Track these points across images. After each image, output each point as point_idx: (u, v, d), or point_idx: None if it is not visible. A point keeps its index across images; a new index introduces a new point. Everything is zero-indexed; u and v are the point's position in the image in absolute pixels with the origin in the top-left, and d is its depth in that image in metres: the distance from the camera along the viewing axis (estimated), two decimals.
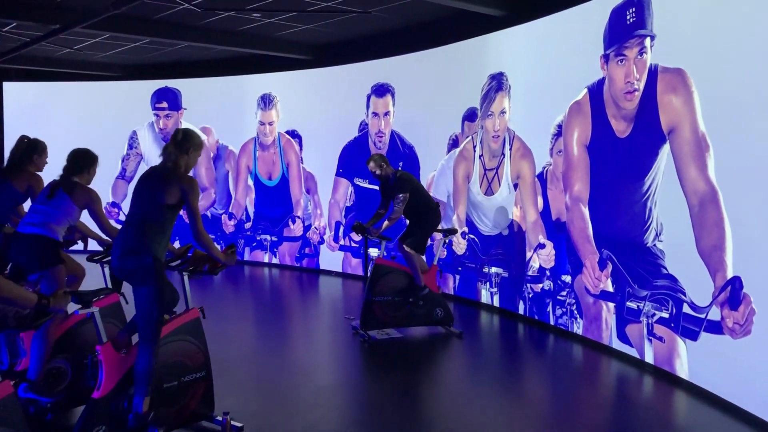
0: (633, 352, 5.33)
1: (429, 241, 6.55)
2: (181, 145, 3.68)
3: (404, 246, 6.07)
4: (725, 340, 4.40)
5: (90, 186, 4.33)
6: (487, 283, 7.33)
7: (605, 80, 5.60)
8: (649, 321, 5.15)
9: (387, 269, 6.09)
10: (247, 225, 10.41)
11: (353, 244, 9.13)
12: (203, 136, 10.63)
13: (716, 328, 4.48)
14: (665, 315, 4.98)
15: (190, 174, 3.79)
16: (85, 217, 4.34)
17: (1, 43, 8.99)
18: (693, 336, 4.71)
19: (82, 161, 4.16)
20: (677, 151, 4.84)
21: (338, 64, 9.18)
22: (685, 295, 4.78)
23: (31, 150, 4.58)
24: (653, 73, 5.07)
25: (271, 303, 8.10)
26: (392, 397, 4.63)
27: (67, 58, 10.45)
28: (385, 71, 8.65)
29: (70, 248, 4.79)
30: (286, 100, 9.95)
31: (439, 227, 6.44)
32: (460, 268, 7.73)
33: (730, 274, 4.35)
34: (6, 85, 11.48)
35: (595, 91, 5.73)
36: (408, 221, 6.35)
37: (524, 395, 4.81)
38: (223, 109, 10.53)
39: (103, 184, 11.25)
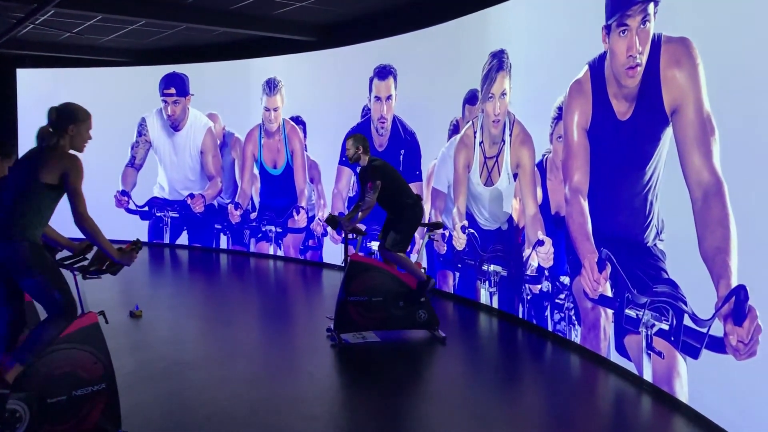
0: (631, 367, 4.65)
1: (419, 237, 5.97)
2: (58, 124, 3.24)
3: (385, 248, 5.52)
4: (728, 361, 3.70)
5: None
6: (487, 283, 6.70)
7: (606, 55, 4.89)
8: (648, 332, 4.45)
9: (363, 266, 5.54)
10: (253, 215, 10.02)
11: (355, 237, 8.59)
12: (208, 120, 10.30)
13: (719, 345, 3.78)
14: (665, 327, 4.28)
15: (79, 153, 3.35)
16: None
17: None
18: (694, 353, 4.00)
19: None
20: (680, 136, 4.12)
21: (342, 45, 8.66)
22: (686, 305, 4.07)
23: None
24: (656, 44, 4.34)
25: (257, 299, 7.65)
26: (337, 417, 4.09)
27: (77, 44, 10.25)
28: (387, 52, 8.07)
29: None
30: (291, 85, 9.47)
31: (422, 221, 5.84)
32: (459, 265, 7.11)
33: (734, 282, 3.64)
34: (20, 72, 11.40)
35: (596, 68, 5.02)
36: (387, 215, 5.77)
37: (506, 415, 4.19)
38: (229, 94, 10.15)
39: (112, 171, 11.10)
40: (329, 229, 8.80)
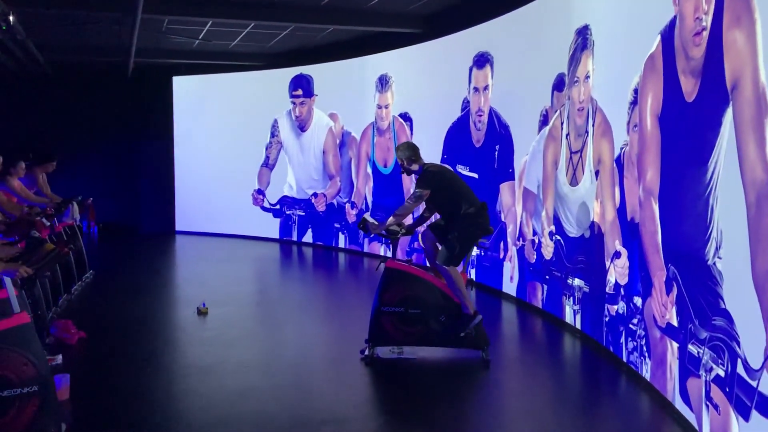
0: (692, 418, 3.61)
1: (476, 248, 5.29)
2: None
3: (437, 263, 4.94)
4: None
5: None
6: (571, 299, 5.77)
7: (676, 20, 3.86)
8: (707, 377, 3.41)
9: (399, 274, 4.99)
10: (366, 215, 9.79)
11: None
12: (329, 120, 10.25)
13: (766, 407, 2.73)
14: (721, 372, 3.24)
15: None
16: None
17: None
18: (745, 413, 2.95)
19: None
20: (738, 119, 3.08)
21: (445, 34, 8.09)
22: (740, 347, 3.03)
23: None
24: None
25: (334, 301, 7.36)
26: None
27: (213, 50, 10.83)
28: (485, 38, 7.35)
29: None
30: (400, 81, 9.10)
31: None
32: (547, 277, 6.22)
33: None
34: (175, 79, 12.34)
35: (667, 38, 3.99)
36: (443, 221, 5.15)
37: None
38: (347, 93, 10.06)
39: (250, 171, 11.59)
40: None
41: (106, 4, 6.98)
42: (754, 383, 2.84)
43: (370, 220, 5.11)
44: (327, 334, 5.78)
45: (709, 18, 3.42)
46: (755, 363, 2.83)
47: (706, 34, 3.46)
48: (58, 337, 5.23)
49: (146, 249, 11.07)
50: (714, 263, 3.33)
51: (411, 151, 5.11)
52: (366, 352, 4.91)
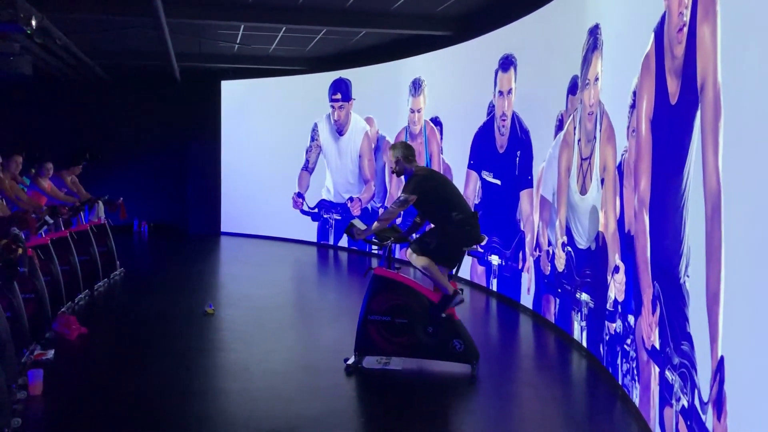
0: None
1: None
2: None
3: (410, 250, 4.80)
4: None
5: None
6: (579, 314, 5.44)
7: (665, 15, 3.56)
8: (677, 407, 3.10)
9: (387, 282, 4.85)
10: (398, 220, 9.65)
11: (479, 249, 7.72)
12: (365, 124, 10.23)
13: None
14: (685, 403, 2.93)
15: None
16: None
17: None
18: None
19: None
20: (703, 122, 2.78)
21: (476, 36, 7.86)
22: (696, 375, 2.72)
23: None
24: None
25: (348, 307, 7.22)
26: None
27: (255, 55, 10.98)
28: (510, 40, 7.09)
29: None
30: (432, 84, 8.92)
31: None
32: (559, 290, 5.90)
33: (719, 351, 2.30)
34: (224, 83, 12.60)
35: (659, 36, 3.69)
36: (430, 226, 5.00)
37: None
38: (382, 97, 9.96)
39: (291, 174, 11.68)
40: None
41: (126, 8, 7.17)
42: (704, 417, 2.54)
43: (357, 225, 4.98)
44: (324, 341, 5.67)
45: (688, 12, 3.12)
46: (706, 395, 2.53)
47: (686, 30, 3.16)
48: (59, 332, 5.37)
49: (188, 249, 11.33)
50: (684, 282, 3.02)
51: (407, 150, 4.95)
52: (349, 361, 4.78)
